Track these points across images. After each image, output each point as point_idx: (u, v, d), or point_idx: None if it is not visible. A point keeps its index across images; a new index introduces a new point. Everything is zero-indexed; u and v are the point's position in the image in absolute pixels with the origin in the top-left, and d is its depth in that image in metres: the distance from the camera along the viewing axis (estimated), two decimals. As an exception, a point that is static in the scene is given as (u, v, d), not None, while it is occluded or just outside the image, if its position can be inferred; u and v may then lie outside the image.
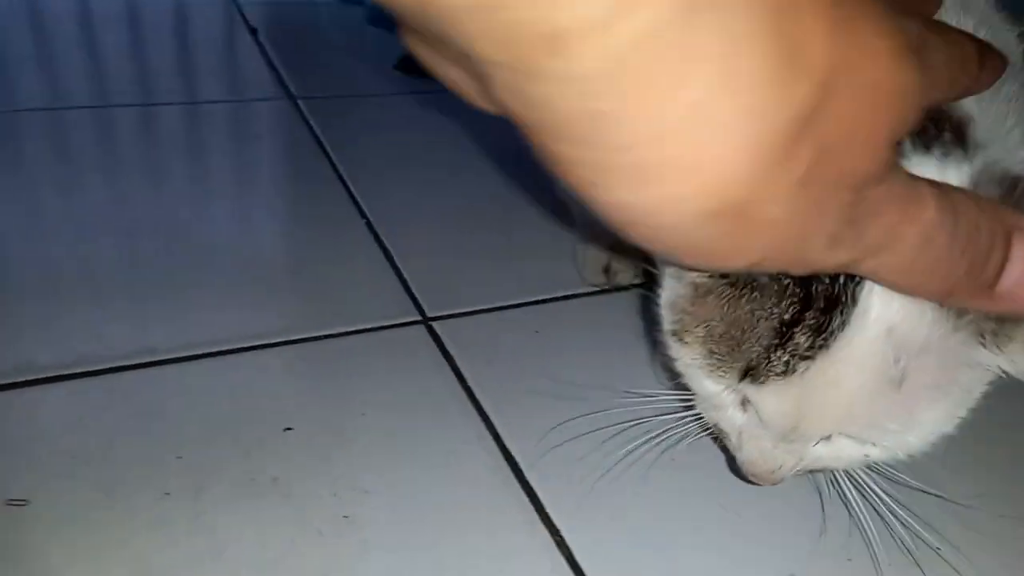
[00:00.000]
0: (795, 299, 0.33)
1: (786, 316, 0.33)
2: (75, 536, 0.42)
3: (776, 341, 0.34)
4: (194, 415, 0.50)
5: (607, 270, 0.68)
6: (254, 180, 0.85)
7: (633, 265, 0.70)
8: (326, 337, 0.58)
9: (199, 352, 0.55)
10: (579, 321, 0.64)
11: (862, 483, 0.43)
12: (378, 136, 0.94)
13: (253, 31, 1.17)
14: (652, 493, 0.48)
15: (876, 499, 0.43)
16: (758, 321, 0.34)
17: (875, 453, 0.38)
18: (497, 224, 0.77)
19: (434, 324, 0.61)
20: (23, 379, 0.52)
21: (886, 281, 0.28)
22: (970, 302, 0.29)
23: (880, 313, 0.32)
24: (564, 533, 0.46)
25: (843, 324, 0.33)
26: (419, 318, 0.62)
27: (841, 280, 0.32)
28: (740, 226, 0.21)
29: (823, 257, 0.24)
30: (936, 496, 0.47)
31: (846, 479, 0.43)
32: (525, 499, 0.47)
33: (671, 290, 0.38)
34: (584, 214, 0.71)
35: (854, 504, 0.44)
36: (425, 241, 0.72)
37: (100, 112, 0.92)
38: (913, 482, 0.45)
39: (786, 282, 0.33)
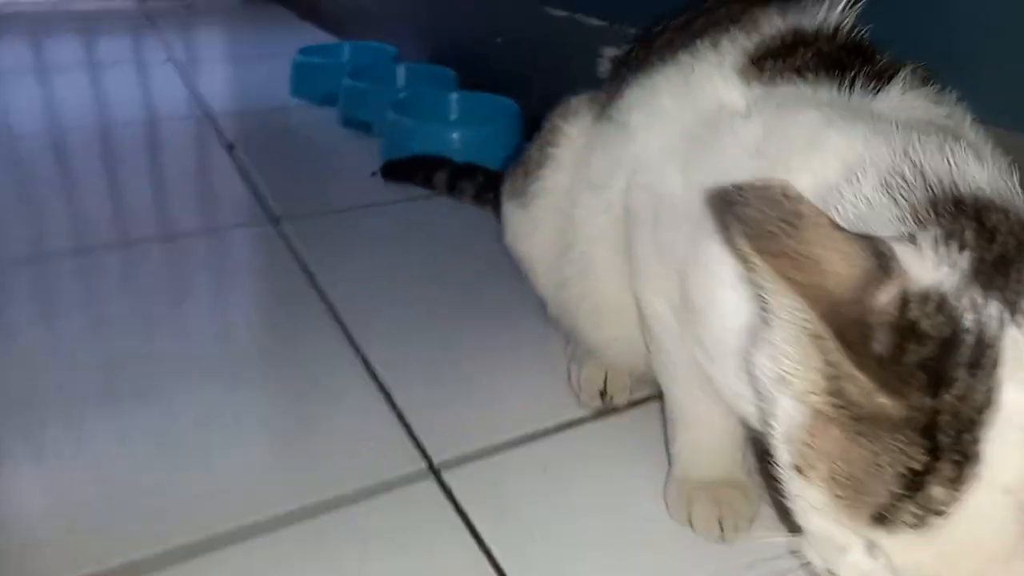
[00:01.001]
0: (921, 448, 0.31)
1: (914, 465, 0.32)
2: None
3: (906, 491, 0.32)
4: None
5: (603, 393, 0.70)
6: (244, 324, 0.86)
7: (627, 385, 0.71)
8: (336, 507, 0.59)
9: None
10: (583, 451, 0.66)
11: None
12: (363, 255, 0.95)
13: (230, 147, 1.19)
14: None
15: None
16: (883, 465, 0.32)
17: None
18: (490, 346, 0.78)
19: (443, 474, 0.62)
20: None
21: None
22: None
23: (996, 473, 0.31)
24: None
25: (975, 477, 0.31)
26: (426, 467, 0.63)
27: (966, 433, 0.31)
28: None
29: None
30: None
31: None
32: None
33: (788, 419, 0.36)
34: (576, 335, 0.72)
35: None
36: (423, 378, 0.73)
37: (79, 257, 0.93)
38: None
39: (909, 429, 0.31)
